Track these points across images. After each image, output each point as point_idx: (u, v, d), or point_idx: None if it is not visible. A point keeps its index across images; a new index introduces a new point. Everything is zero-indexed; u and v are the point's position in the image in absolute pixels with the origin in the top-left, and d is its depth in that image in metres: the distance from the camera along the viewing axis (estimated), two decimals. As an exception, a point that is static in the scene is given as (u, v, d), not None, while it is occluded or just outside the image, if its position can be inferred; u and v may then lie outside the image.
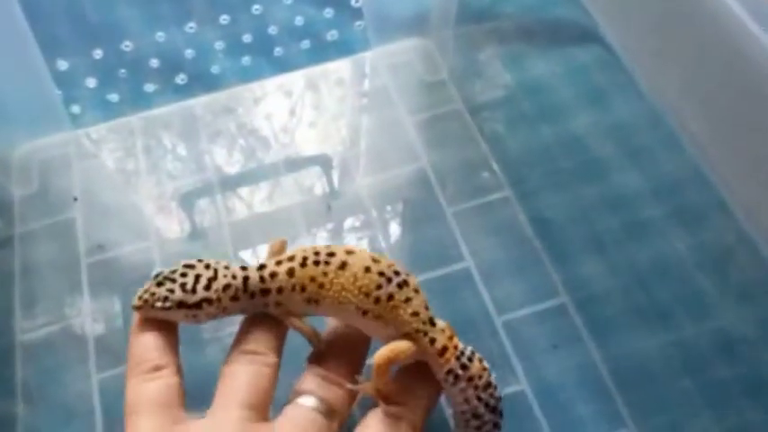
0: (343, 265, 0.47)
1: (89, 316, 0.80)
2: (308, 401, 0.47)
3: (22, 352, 0.78)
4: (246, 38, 0.96)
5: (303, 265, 0.47)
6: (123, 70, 0.92)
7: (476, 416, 0.49)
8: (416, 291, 0.48)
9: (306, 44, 0.98)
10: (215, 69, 0.95)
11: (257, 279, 0.48)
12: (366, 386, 0.49)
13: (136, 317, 0.49)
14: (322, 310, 0.49)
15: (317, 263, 0.47)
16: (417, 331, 0.48)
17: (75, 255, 0.84)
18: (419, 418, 0.49)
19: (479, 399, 0.49)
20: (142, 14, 0.94)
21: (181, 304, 0.46)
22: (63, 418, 0.74)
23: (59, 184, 0.91)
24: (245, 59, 0.96)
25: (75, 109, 0.92)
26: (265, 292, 0.48)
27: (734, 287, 0.79)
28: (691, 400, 0.73)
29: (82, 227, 0.86)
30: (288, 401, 0.48)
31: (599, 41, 1.02)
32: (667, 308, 0.78)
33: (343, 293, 0.47)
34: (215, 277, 0.47)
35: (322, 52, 0.97)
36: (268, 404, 0.47)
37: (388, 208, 0.88)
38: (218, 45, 0.95)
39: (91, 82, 0.92)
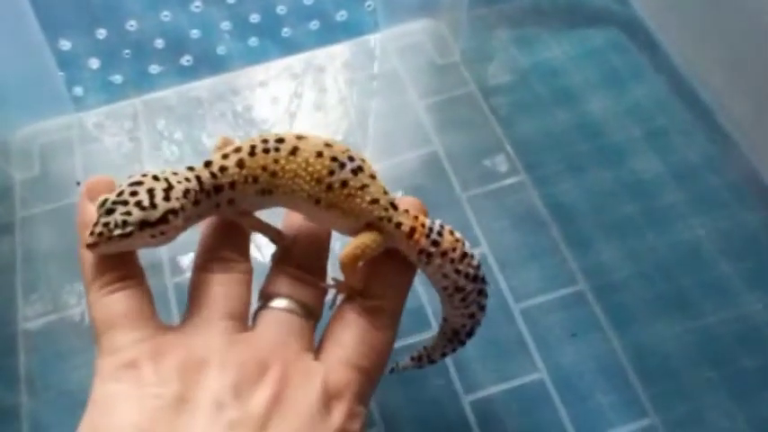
0: (294, 151, 0.43)
1: (93, 303, 0.78)
2: (281, 303, 0.45)
3: (25, 340, 0.76)
4: (254, 18, 0.93)
5: (252, 154, 0.44)
6: (127, 51, 0.90)
7: (458, 289, 0.47)
8: (372, 176, 0.45)
9: (314, 25, 0.95)
10: (221, 50, 0.93)
11: (208, 176, 0.44)
12: (339, 285, 0.46)
13: (78, 229, 0.45)
14: (275, 200, 0.45)
15: (266, 150, 0.44)
16: (380, 219, 0.44)
17: (77, 241, 0.82)
18: (398, 305, 0.47)
19: (458, 272, 0.46)
20: (147, -8, 0.91)
21: (143, 224, 0.40)
22: (68, 408, 0.72)
23: (61, 169, 0.88)
24: (252, 40, 0.94)
25: (78, 91, 0.90)
26: (218, 188, 0.44)
27: (757, 274, 0.77)
28: (714, 390, 0.71)
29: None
30: (259, 305, 0.46)
31: (613, 23, 1.00)
32: (689, 295, 0.76)
33: (296, 180, 0.43)
34: (170, 186, 0.42)
35: (330, 33, 0.94)
36: (248, 312, 0.44)
37: (400, 194, 0.86)
38: (225, 25, 0.93)
39: (94, 63, 0.89)
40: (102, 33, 0.88)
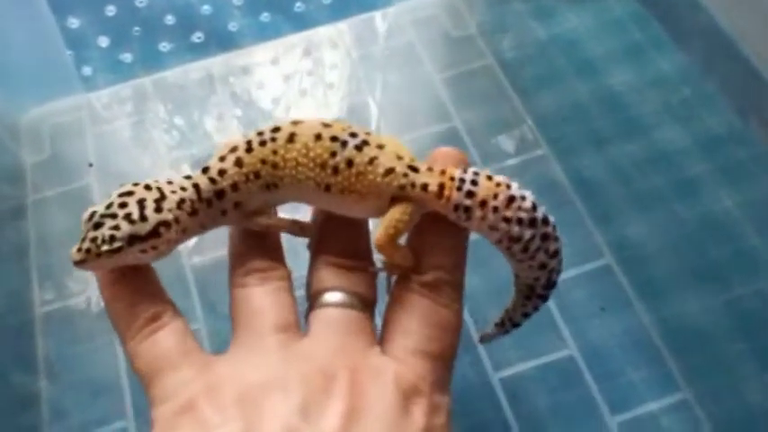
0: (291, 138, 0.40)
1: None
2: (332, 298, 0.40)
3: (42, 326, 0.75)
4: (266, -8, 0.91)
5: (249, 150, 0.40)
6: (137, 28, 0.87)
7: (513, 239, 0.40)
8: (380, 146, 0.40)
9: (327, -1, 0.93)
10: (232, 27, 0.91)
11: (207, 182, 0.40)
12: (387, 266, 0.42)
13: (98, 274, 0.41)
14: (283, 194, 0.41)
15: (263, 143, 0.40)
16: (402, 187, 0.39)
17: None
18: (459, 273, 0.42)
19: (507, 219, 0.39)
20: (156, -34, 0.89)
21: (133, 239, 0.37)
22: (89, 395, 0.71)
23: (72, 150, 0.86)
24: (264, 16, 0.92)
25: (87, 70, 0.88)
26: (220, 194, 0.40)
27: (786, 245, 0.76)
28: (746, 363, 0.70)
29: (98, 194, 0.82)
30: (310, 305, 0.41)
31: (632, -7, 0.98)
32: (718, 267, 0.75)
33: (299, 168, 0.39)
34: (162, 196, 0.39)
35: (344, 8, 0.92)
36: (297, 319, 0.40)
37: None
38: (236, 1, 0.91)
39: (103, 41, 0.87)
40: (111, 10, 0.86)
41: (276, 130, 0.40)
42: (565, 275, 0.74)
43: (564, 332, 0.72)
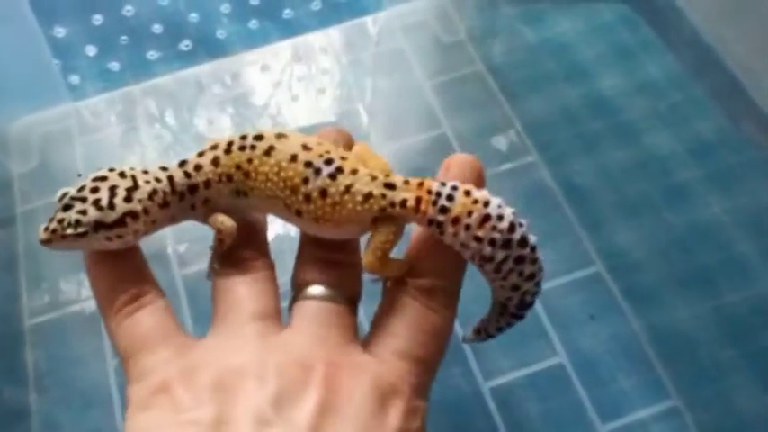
0: (269, 151, 0.39)
1: (100, 298, 0.76)
2: (315, 291, 0.40)
3: (32, 337, 0.75)
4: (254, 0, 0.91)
5: (228, 151, 0.39)
6: (124, 37, 0.87)
7: (484, 258, 0.38)
8: (354, 171, 0.38)
9: (317, 5, 0.93)
10: (220, 34, 0.90)
11: (182, 175, 0.39)
12: (381, 274, 0.41)
13: (85, 253, 0.40)
14: (253, 204, 0.40)
15: (242, 148, 0.39)
16: (383, 209, 0.39)
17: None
18: (456, 280, 0.41)
19: (478, 239, 0.38)
20: (142, -25, 0.88)
21: (98, 225, 0.37)
22: (79, 407, 0.71)
23: (61, 160, 0.86)
24: (253, 23, 0.91)
25: (74, 79, 0.87)
26: (193, 188, 0.40)
27: (775, 250, 0.76)
28: (736, 369, 0.70)
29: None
30: (293, 297, 0.41)
31: (621, -3, 0.98)
32: (707, 274, 0.75)
33: (269, 185, 0.39)
34: (135, 186, 0.38)
35: (333, 14, 0.92)
36: (278, 309, 0.40)
37: (411, 175, 0.84)
38: (224, 8, 0.90)
39: (90, 50, 0.87)
40: (98, 19, 0.85)
41: (259, 138, 0.39)
42: (555, 283, 0.75)
43: (554, 340, 0.72)
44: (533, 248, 0.39)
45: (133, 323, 0.39)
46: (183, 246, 0.80)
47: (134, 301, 0.39)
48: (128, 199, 0.37)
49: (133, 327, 0.38)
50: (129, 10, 0.85)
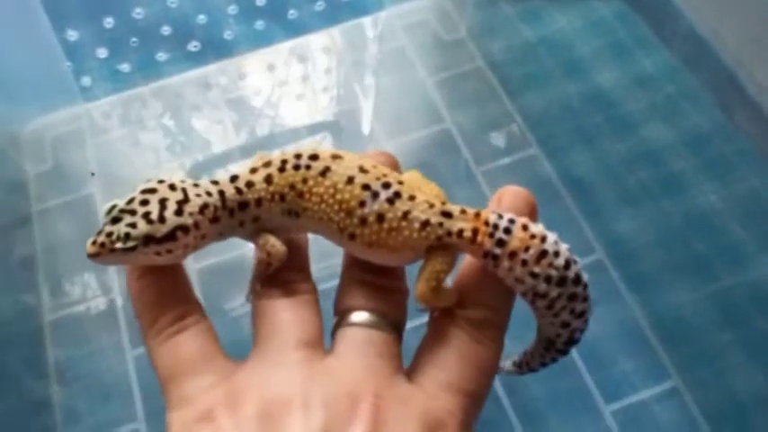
0: (324, 172, 0.38)
1: (117, 292, 0.79)
2: (360, 318, 0.38)
3: (52, 332, 0.77)
4: (260, 1, 0.93)
5: (282, 170, 0.38)
6: (135, 39, 0.89)
7: (538, 295, 0.38)
8: (412, 197, 0.37)
9: (320, 5, 0.95)
10: (228, 35, 0.93)
11: (233, 191, 0.38)
12: (433, 304, 0.40)
13: (127, 268, 0.39)
14: (304, 225, 0.39)
15: (297, 167, 0.38)
16: (439, 238, 0.38)
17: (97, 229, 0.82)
18: (504, 313, 0.40)
19: (534, 275, 0.37)
20: (152, -22, 0.90)
21: (148, 239, 0.36)
22: (100, 398, 0.73)
23: (74, 160, 0.88)
24: (259, 24, 0.94)
25: (86, 81, 0.89)
26: (243, 205, 0.39)
27: (769, 236, 0.79)
28: (732, 352, 0.73)
29: (101, 203, 0.84)
30: (337, 322, 0.39)
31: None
32: (705, 260, 0.78)
33: (322, 207, 0.38)
34: (186, 199, 0.37)
35: (336, 13, 0.94)
36: (321, 335, 0.39)
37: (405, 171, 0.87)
38: (231, 9, 0.92)
39: (102, 52, 0.89)
40: (109, 22, 0.87)
41: (314, 158, 0.39)
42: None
43: (558, 326, 0.74)
44: (585, 286, 0.39)
45: (175, 345, 0.37)
46: (195, 257, 0.82)
47: (177, 323, 0.38)
48: (179, 212, 0.37)
49: (176, 349, 0.37)
50: (139, 12, 0.87)
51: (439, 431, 0.36)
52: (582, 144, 0.86)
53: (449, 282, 0.40)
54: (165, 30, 0.90)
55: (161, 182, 0.38)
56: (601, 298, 0.76)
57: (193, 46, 0.91)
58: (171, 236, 0.36)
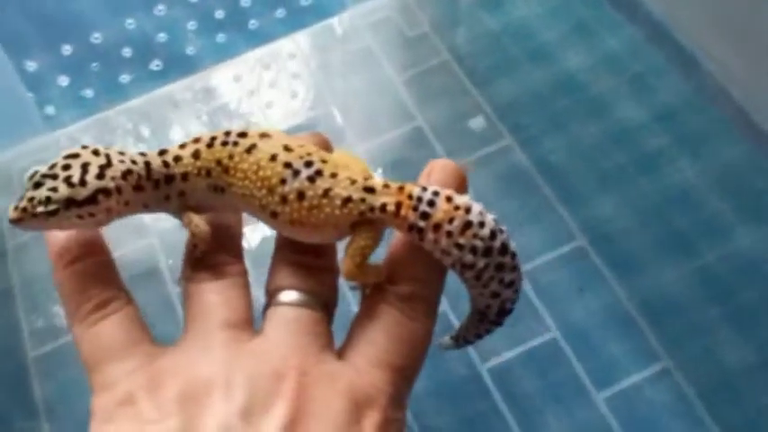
0: (250, 149, 0.38)
1: (100, 322, 0.78)
2: (289, 297, 0.38)
3: (37, 368, 0.76)
4: (219, 14, 0.92)
5: (210, 145, 0.39)
6: (95, 64, 0.88)
7: (465, 266, 0.38)
8: (333, 174, 0.38)
9: (280, 13, 0.94)
10: (190, 51, 0.91)
11: (160, 163, 0.39)
12: (359, 281, 0.40)
13: (51, 254, 0.39)
14: (229, 201, 0.39)
15: (225, 143, 0.38)
16: (362, 214, 0.38)
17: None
18: (435, 289, 0.40)
19: (459, 246, 0.37)
20: (106, 2, 0.89)
21: (69, 202, 0.36)
22: None
23: (45, 191, 0.87)
24: (220, 36, 0.93)
25: (50, 110, 0.88)
26: (169, 178, 0.39)
27: (747, 208, 0.79)
28: (720, 326, 0.73)
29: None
30: (266, 304, 0.39)
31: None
32: (686, 236, 0.78)
33: (245, 183, 0.38)
34: (108, 163, 0.37)
35: (298, 19, 0.94)
36: (250, 316, 0.39)
37: (393, 171, 0.86)
38: (191, 25, 0.91)
39: (63, 80, 0.87)
40: (67, 49, 0.86)
41: (243, 135, 0.39)
42: (541, 261, 0.78)
43: (545, 316, 0.74)
44: (513, 255, 0.39)
45: (100, 331, 0.37)
46: (176, 260, 0.81)
47: (102, 309, 0.38)
48: (100, 176, 0.36)
49: (100, 335, 0.37)
50: (96, 37, 0.86)
51: (367, 407, 0.36)
52: (554, 130, 0.86)
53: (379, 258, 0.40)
54: (126, 51, 0.89)
55: (84, 147, 0.37)
56: (586, 284, 0.76)
57: (156, 65, 0.90)
58: (92, 199, 0.36)
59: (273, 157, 0.38)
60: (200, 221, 0.39)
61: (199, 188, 0.39)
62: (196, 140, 0.40)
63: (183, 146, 0.40)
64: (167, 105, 0.91)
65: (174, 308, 0.78)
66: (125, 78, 0.89)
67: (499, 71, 0.92)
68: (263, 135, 0.39)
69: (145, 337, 0.38)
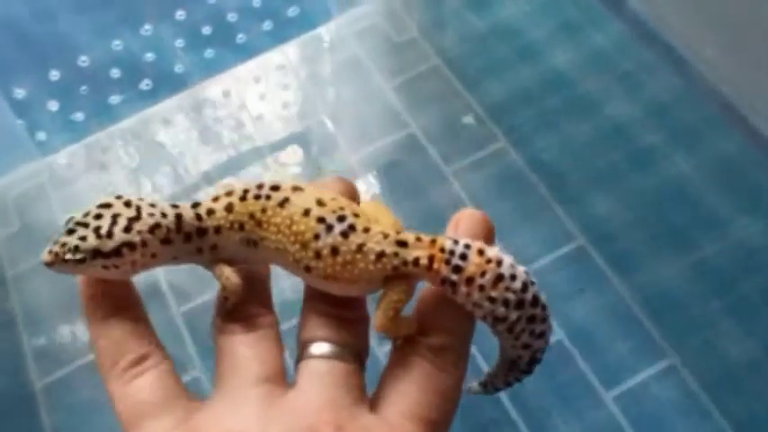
0: (283, 203, 0.39)
1: (105, 347, 0.78)
2: (321, 349, 0.39)
3: (45, 397, 0.76)
4: (206, 30, 0.91)
5: (243, 198, 0.39)
6: (84, 87, 0.87)
7: (497, 319, 0.38)
8: (366, 229, 0.38)
9: (267, 25, 0.94)
10: (179, 68, 0.91)
11: (192, 216, 0.39)
12: (392, 334, 0.40)
13: (85, 308, 0.40)
14: (263, 255, 0.40)
15: (257, 197, 0.39)
16: (395, 268, 0.38)
17: (74, 288, 0.80)
18: (465, 339, 0.40)
19: (491, 299, 0.38)
20: (92, 24, 0.88)
21: (96, 253, 0.37)
22: (104, 458, 0.72)
23: (41, 218, 0.87)
24: (208, 52, 0.92)
25: (41, 136, 0.88)
26: (202, 231, 0.39)
27: (742, 200, 0.79)
28: (722, 319, 0.74)
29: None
30: (298, 356, 0.39)
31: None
32: (684, 231, 0.78)
33: (279, 237, 0.38)
34: (137, 216, 0.38)
35: (285, 31, 0.93)
36: (283, 369, 0.39)
37: (388, 178, 0.86)
38: (179, 43, 0.91)
39: (53, 105, 0.87)
40: (55, 74, 0.86)
41: (275, 188, 0.39)
42: (541, 262, 0.78)
43: (549, 318, 0.74)
44: (544, 307, 0.39)
45: (136, 388, 0.38)
46: (177, 281, 0.81)
47: (137, 365, 0.38)
48: (127, 229, 0.37)
49: (136, 392, 0.37)
50: (84, 60, 0.86)
51: None
52: (547, 130, 0.86)
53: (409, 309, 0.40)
54: (114, 73, 0.89)
55: (118, 197, 0.38)
56: (587, 284, 0.77)
57: (145, 84, 0.90)
58: (117, 252, 0.37)
59: (307, 212, 0.38)
60: (231, 274, 0.40)
61: (232, 241, 0.40)
62: (229, 194, 0.40)
63: (215, 199, 0.40)
64: (158, 124, 0.91)
65: (180, 330, 0.78)
66: (115, 99, 0.89)
67: (489, 72, 0.92)
68: (296, 188, 0.39)
69: (181, 392, 0.38)
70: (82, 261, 0.37)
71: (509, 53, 0.93)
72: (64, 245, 0.37)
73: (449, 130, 0.88)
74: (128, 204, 0.38)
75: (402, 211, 0.83)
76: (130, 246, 0.37)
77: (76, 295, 0.77)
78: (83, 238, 0.37)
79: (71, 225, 0.37)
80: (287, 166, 0.89)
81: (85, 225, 0.37)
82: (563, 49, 0.92)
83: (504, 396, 0.71)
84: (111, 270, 0.38)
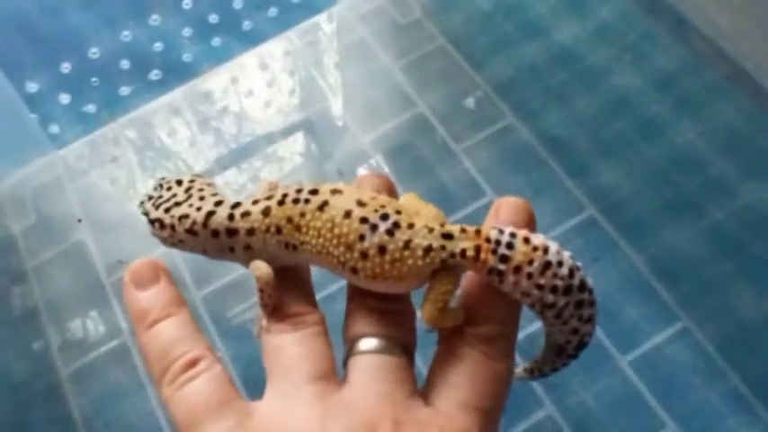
0: (322, 206, 0.39)
1: (127, 331, 0.79)
2: (369, 344, 0.39)
3: (71, 385, 0.77)
4: (213, 18, 0.92)
5: (281, 203, 0.39)
6: (95, 79, 0.89)
7: (546, 306, 0.38)
8: (410, 225, 0.38)
9: (273, 12, 0.95)
10: (187, 57, 0.92)
11: (225, 216, 0.40)
12: (441, 326, 0.41)
13: (132, 321, 0.40)
14: (300, 258, 0.40)
15: (296, 201, 0.39)
16: (443, 261, 0.38)
17: (95, 276, 0.82)
18: (513, 327, 0.40)
19: (540, 287, 0.37)
20: (101, 16, 0.89)
21: (146, 215, 0.42)
22: (132, 440, 0.74)
23: (58, 209, 0.88)
24: (215, 41, 0.93)
25: (54, 128, 0.89)
26: (232, 232, 0.40)
27: (750, 164, 0.80)
28: (733, 282, 0.75)
29: (94, 247, 0.84)
30: (346, 352, 0.40)
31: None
32: (693, 197, 0.79)
33: (320, 241, 0.38)
34: (181, 202, 0.41)
35: (290, 16, 0.94)
36: (334, 366, 0.39)
37: (398, 159, 0.87)
38: (186, 32, 0.92)
39: (64, 98, 0.88)
40: (66, 67, 0.87)
41: (314, 192, 0.39)
42: (554, 234, 0.79)
43: (563, 288, 0.76)
44: (591, 291, 0.39)
45: (190, 392, 0.38)
46: (197, 265, 0.82)
47: (190, 369, 0.38)
48: (167, 210, 0.41)
49: (191, 396, 0.37)
50: (94, 52, 0.87)
51: None
52: (554, 104, 0.87)
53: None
54: (124, 64, 0.90)
55: (192, 180, 0.43)
56: (600, 253, 0.78)
57: (155, 74, 0.91)
58: (153, 222, 0.41)
59: (348, 214, 0.38)
60: (261, 264, 0.40)
61: (269, 244, 0.40)
62: (268, 197, 0.40)
63: (255, 201, 0.40)
64: (169, 113, 0.92)
65: (202, 315, 0.79)
66: (125, 90, 0.90)
67: (495, 50, 0.92)
68: (335, 191, 0.39)
69: (235, 394, 0.38)
70: (146, 216, 0.42)
71: (514, 30, 0.93)
72: (149, 198, 0.43)
73: (457, 108, 0.89)
74: (188, 190, 0.42)
75: (414, 190, 0.83)
76: (161, 223, 0.41)
77: (97, 282, 0.79)
78: (149, 198, 0.42)
79: (155, 185, 0.43)
80: (296, 153, 0.90)
81: (160, 188, 0.43)
82: (568, 23, 0.93)
83: (519, 362, 0.72)
84: (157, 237, 0.41)
